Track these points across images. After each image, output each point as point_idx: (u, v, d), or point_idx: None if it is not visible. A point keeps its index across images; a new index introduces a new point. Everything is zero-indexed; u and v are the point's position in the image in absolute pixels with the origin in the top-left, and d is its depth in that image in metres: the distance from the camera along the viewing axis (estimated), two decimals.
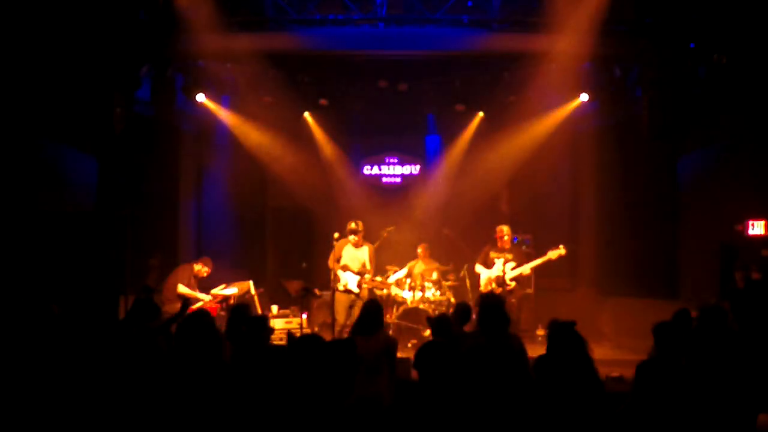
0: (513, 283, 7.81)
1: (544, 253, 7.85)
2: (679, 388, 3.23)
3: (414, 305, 8.27)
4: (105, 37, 7.10)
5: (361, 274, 7.72)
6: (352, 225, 7.74)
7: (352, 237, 7.75)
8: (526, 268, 7.83)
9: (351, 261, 7.71)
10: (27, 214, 6.61)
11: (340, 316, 7.63)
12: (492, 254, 7.99)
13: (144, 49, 7.60)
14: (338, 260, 7.73)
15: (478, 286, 8.12)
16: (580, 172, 9.69)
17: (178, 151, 9.35)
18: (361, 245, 7.80)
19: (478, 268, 8.12)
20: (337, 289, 7.66)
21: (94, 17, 6.90)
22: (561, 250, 7.71)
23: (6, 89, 6.43)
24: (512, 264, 7.86)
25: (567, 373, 2.79)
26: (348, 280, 7.68)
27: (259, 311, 8.03)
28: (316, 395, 2.64)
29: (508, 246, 7.98)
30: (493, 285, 7.86)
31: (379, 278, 8.39)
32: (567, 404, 2.73)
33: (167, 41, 7.56)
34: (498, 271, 7.89)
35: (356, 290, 7.68)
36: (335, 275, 7.73)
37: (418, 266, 8.83)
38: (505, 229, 8.03)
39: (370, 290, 8.65)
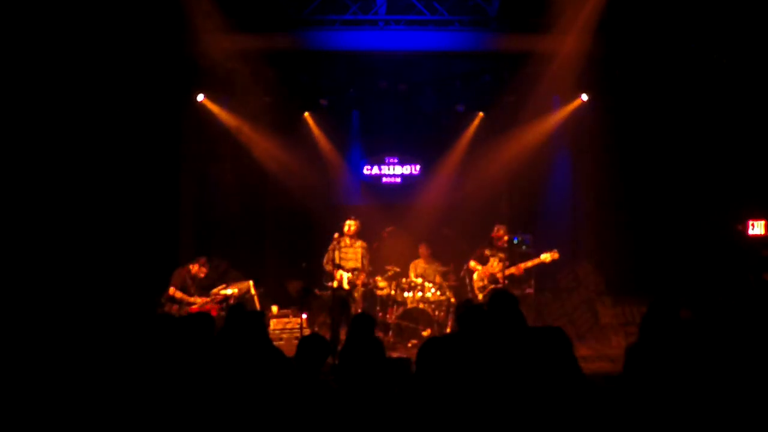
0: (505, 282, 7.84)
1: (538, 256, 7.88)
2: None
3: (414, 305, 8.27)
4: (109, 38, 7.13)
5: (353, 271, 7.68)
6: (347, 224, 7.73)
7: (344, 236, 7.74)
8: (519, 268, 7.85)
9: (344, 259, 7.69)
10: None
11: (335, 314, 7.61)
12: (487, 252, 8.03)
13: (146, 50, 7.62)
14: (332, 260, 7.70)
15: (472, 282, 8.15)
16: (580, 171, 9.69)
17: (177, 151, 9.34)
18: (354, 244, 7.76)
19: (473, 264, 8.13)
20: (331, 288, 7.64)
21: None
22: (554, 254, 7.77)
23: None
24: (506, 263, 7.90)
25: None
26: (341, 279, 7.65)
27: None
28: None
29: (504, 245, 8.01)
30: (486, 282, 7.91)
31: (380, 282, 8.41)
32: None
33: (168, 42, 7.58)
34: (491, 268, 7.93)
35: (347, 287, 7.62)
36: (328, 274, 7.72)
37: (419, 266, 8.84)
38: (501, 229, 8.06)
39: (369, 290, 8.66)
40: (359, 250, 7.81)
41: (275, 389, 3.19)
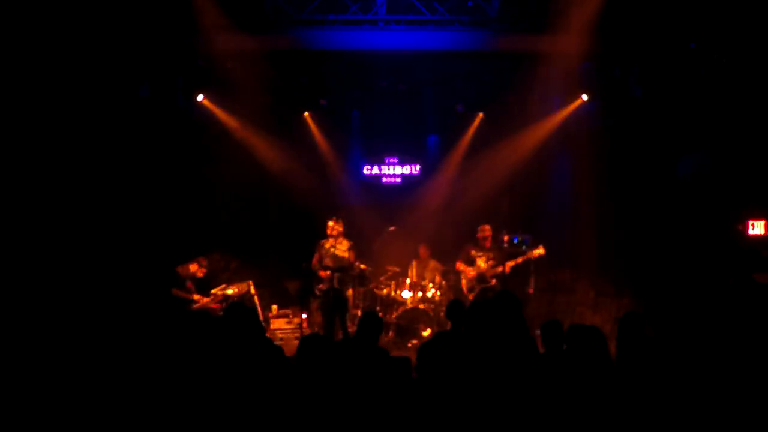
0: (493, 281, 7.85)
1: (525, 253, 7.88)
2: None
3: (414, 305, 8.27)
4: (110, 38, 7.13)
5: (342, 270, 7.63)
6: (328, 225, 7.70)
7: (329, 237, 7.71)
8: (506, 267, 7.85)
9: (332, 258, 7.64)
10: None
11: (328, 315, 7.56)
12: (473, 252, 8.04)
13: (146, 50, 7.62)
14: (321, 261, 7.66)
15: (460, 283, 8.16)
16: (580, 171, 9.68)
17: (178, 151, 9.33)
18: (340, 243, 7.71)
19: (460, 266, 8.14)
20: (323, 290, 7.57)
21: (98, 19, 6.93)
22: (540, 250, 7.80)
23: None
24: (493, 262, 7.91)
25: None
26: (332, 279, 7.61)
27: (260, 311, 8.03)
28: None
29: (489, 244, 8.02)
30: (474, 282, 7.92)
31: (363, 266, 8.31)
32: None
33: (168, 42, 7.58)
34: (479, 268, 7.94)
35: (337, 286, 7.55)
36: (317, 277, 7.65)
37: (419, 266, 8.84)
38: (486, 229, 8.07)
39: (369, 290, 8.65)
40: (345, 248, 7.75)
41: (273, 387, 3.19)
